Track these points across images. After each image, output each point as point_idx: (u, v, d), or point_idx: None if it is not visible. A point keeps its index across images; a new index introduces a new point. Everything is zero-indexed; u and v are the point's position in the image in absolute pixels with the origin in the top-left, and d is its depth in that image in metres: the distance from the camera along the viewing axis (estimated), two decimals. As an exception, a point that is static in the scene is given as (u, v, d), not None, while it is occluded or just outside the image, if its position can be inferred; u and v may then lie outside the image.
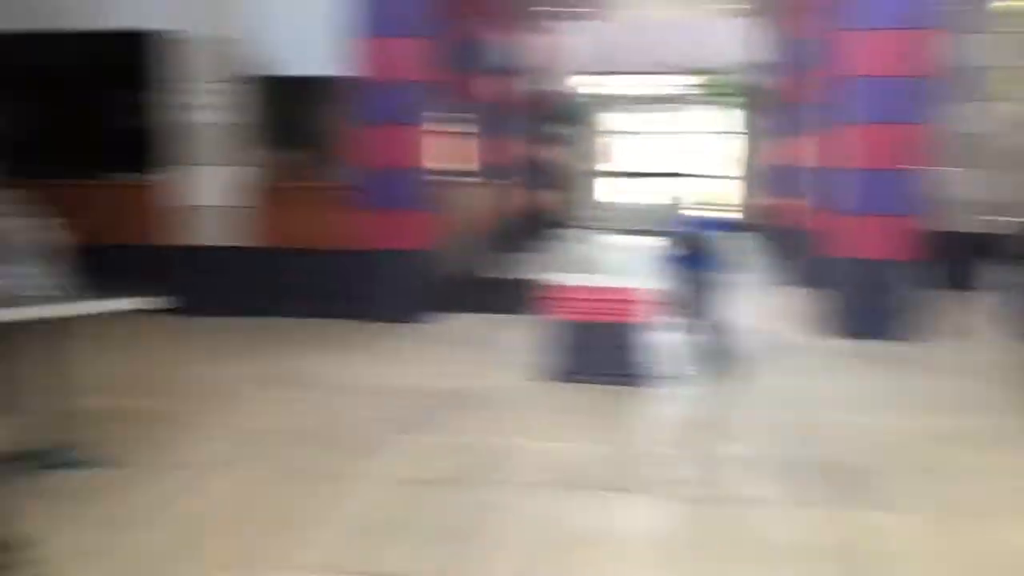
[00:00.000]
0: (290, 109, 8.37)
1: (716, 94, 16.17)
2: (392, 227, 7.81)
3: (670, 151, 18.39)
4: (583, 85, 17.78)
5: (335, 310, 7.78)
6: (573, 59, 16.74)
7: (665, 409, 5.56)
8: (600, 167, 18.28)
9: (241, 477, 4.26)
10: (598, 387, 5.69)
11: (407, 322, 7.70)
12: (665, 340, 6.13)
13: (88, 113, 10.38)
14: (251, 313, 7.72)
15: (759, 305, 8.31)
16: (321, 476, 4.29)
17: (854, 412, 5.40)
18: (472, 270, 10.16)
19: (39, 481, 4.08)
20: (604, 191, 18.59)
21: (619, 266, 8.57)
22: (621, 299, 5.73)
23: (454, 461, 4.51)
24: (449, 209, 8.76)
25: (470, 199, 10.18)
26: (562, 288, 5.85)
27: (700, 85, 16.38)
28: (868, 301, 7.13)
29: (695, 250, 6.01)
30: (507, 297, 9.25)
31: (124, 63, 8.33)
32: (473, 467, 4.43)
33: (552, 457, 4.59)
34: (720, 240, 6.19)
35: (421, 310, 7.85)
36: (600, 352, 5.71)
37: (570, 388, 5.72)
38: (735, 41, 15.18)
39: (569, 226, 17.34)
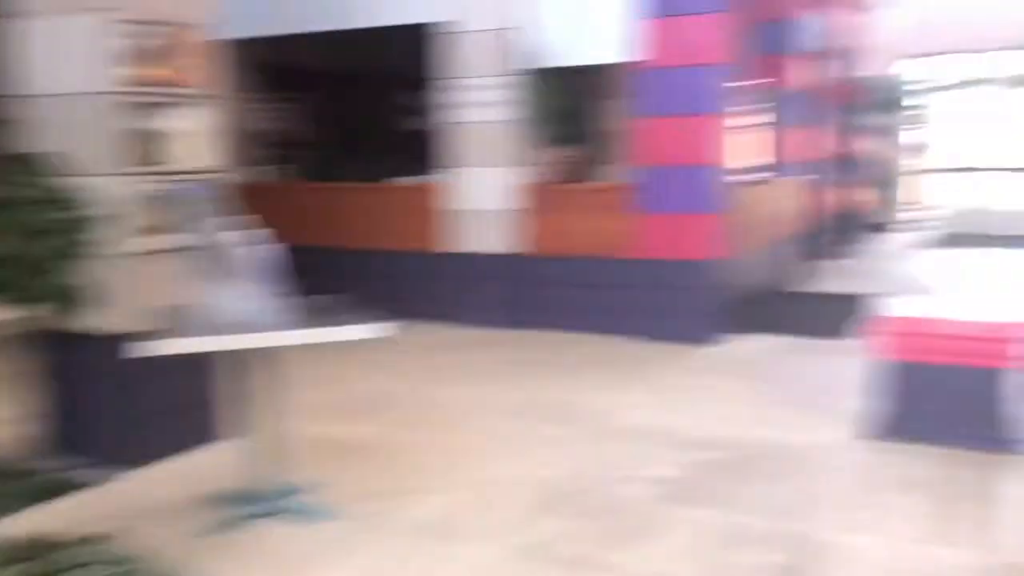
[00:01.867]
0: (567, 103, 7.58)
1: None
2: (681, 233, 6.74)
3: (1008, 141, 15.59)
4: (906, 68, 15.51)
5: (612, 326, 6.85)
6: (895, 39, 14.57)
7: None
8: (929, 162, 15.86)
9: (477, 553, 3.41)
10: (955, 452, 4.25)
11: (696, 343, 6.59)
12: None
13: (370, 113, 10.35)
14: (516, 326, 7.01)
15: None
16: (574, 564, 3.32)
17: None
18: (775, 283, 8.79)
19: (257, 532, 3.52)
20: (936, 190, 16.14)
21: (981, 290, 6.84)
22: (989, 335, 4.23)
23: (749, 560, 3.34)
24: (748, 212, 7.52)
25: (773, 200, 8.82)
26: (903, 318, 4.46)
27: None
28: None
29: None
30: (817, 316, 7.82)
31: (405, 60, 8.00)
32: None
33: (899, 565, 3.28)
34: None
35: (713, 330, 6.70)
36: (958, 404, 4.26)
37: (914, 452, 4.31)
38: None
39: (897, 231, 15.22)
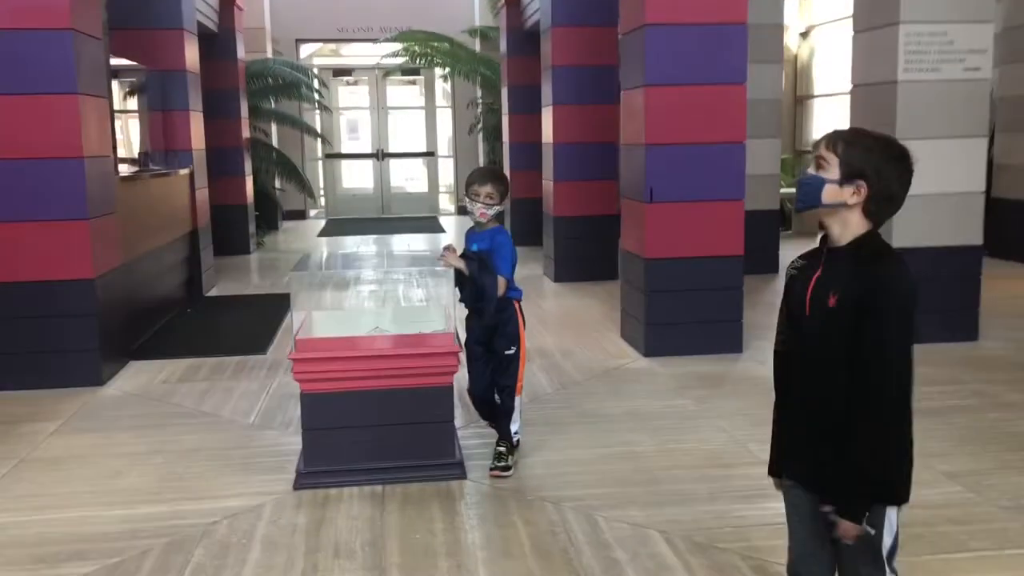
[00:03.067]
0: None
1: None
2: (25, 246, 5.11)
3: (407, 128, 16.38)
4: (304, 52, 15.20)
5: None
6: (289, 22, 14.04)
7: None
8: (330, 147, 15.81)
9: None
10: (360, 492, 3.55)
11: (79, 384, 5.07)
12: None
13: None
14: None
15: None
16: None
17: None
18: (175, 293, 7.51)
19: None
20: (338, 175, 16.19)
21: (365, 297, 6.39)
22: (372, 353, 3.60)
23: None
24: (129, 212, 6.12)
25: (160, 196, 7.49)
26: (304, 340, 3.64)
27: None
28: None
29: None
30: (234, 326, 6.79)
31: None
32: None
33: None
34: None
35: (100, 365, 5.24)
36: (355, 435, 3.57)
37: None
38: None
39: (303, 218, 14.94)
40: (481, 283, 3.53)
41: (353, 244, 12.34)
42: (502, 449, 3.75)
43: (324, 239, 13.03)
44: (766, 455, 2.32)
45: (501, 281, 3.57)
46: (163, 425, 4.49)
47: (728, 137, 5.51)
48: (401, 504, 3.47)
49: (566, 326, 6.61)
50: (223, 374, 5.44)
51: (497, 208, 3.65)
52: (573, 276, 8.47)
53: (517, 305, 3.75)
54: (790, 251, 8.38)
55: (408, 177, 17.06)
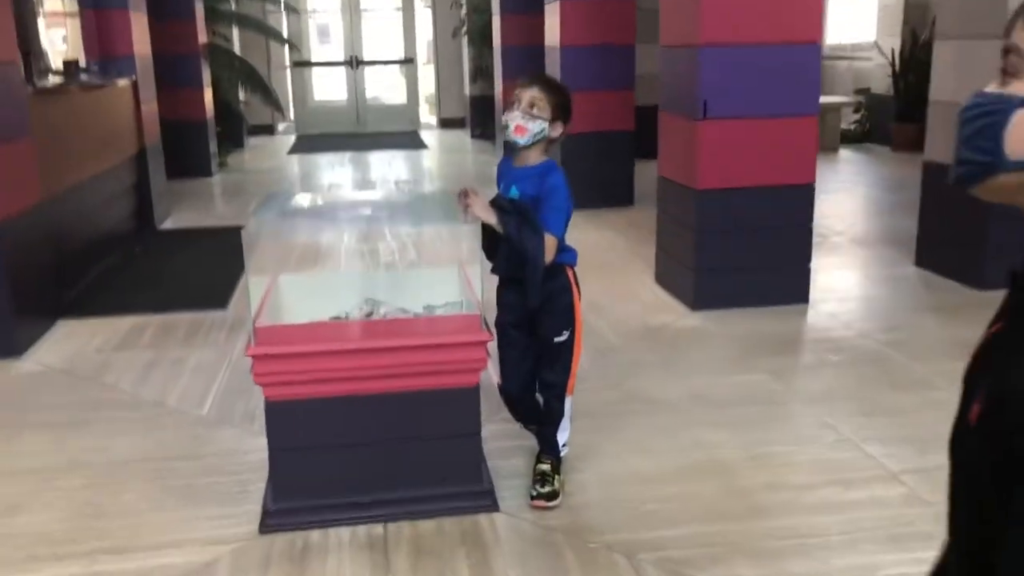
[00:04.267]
0: None
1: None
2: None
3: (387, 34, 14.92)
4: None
5: None
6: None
7: None
8: (300, 56, 14.35)
9: None
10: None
11: (-15, 364, 4.01)
12: None
13: None
14: None
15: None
16: None
17: None
18: (115, 231, 6.35)
19: None
20: (306, 85, 14.77)
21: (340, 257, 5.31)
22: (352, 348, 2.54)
23: None
24: (55, 133, 4.94)
25: (96, 112, 6.26)
26: (263, 328, 2.58)
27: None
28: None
29: None
30: (193, 269, 5.67)
31: None
32: None
33: None
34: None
35: (17, 331, 4.16)
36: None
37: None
38: None
39: (270, 133, 13.57)
40: (522, 247, 2.46)
41: (328, 163, 11.12)
42: (546, 467, 2.74)
43: (295, 157, 11.78)
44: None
45: (550, 242, 2.51)
46: (89, 421, 3.43)
47: (801, 36, 4.38)
48: (412, 553, 2.47)
49: (588, 268, 5.46)
50: (173, 338, 4.37)
51: (542, 125, 2.54)
52: (585, 202, 7.34)
53: (571, 273, 2.69)
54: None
55: (385, 87, 15.68)
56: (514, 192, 2.58)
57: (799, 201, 4.55)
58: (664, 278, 4.97)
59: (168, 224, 7.22)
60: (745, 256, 4.52)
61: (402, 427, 2.58)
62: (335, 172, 10.37)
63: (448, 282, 2.93)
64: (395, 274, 3.19)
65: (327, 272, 2.98)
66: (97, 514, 2.73)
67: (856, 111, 11.42)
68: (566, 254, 2.63)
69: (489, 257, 2.60)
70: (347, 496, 2.59)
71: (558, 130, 2.57)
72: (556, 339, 2.64)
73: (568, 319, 2.65)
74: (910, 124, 10.23)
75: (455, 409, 2.60)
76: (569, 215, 2.56)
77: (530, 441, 2.93)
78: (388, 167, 10.70)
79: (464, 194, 2.48)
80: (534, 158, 2.60)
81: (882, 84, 10.92)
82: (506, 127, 2.56)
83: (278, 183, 9.50)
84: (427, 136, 13.91)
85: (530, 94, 2.53)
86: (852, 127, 11.27)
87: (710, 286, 4.53)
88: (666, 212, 4.93)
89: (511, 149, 2.62)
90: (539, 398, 2.75)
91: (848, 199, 7.85)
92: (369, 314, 2.72)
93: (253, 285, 2.59)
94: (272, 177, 9.89)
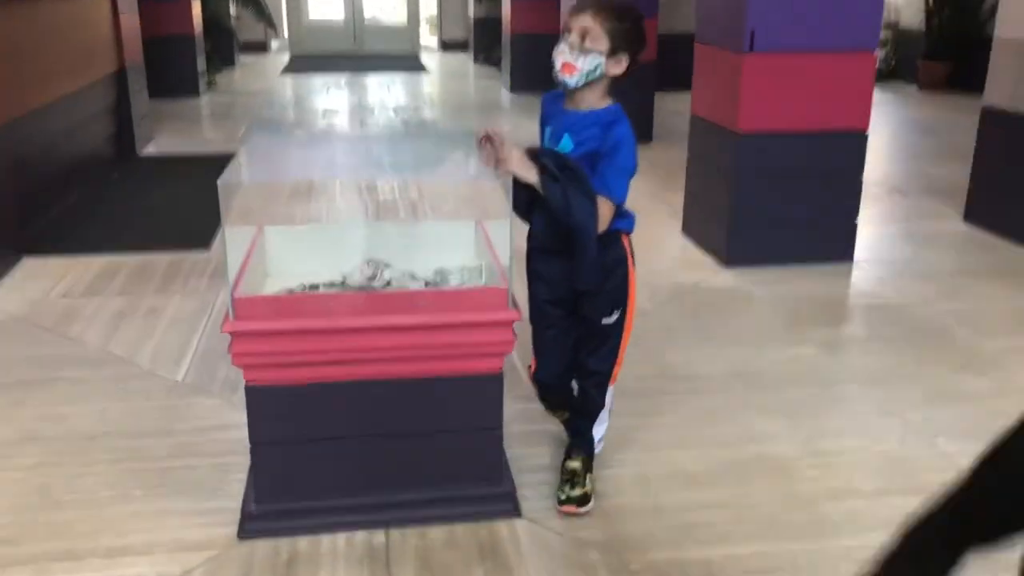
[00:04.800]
0: None
1: None
2: None
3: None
4: None
5: None
6: None
7: None
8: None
9: None
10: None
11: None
12: None
13: None
14: None
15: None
16: None
17: None
18: (82, 158, 5.83)
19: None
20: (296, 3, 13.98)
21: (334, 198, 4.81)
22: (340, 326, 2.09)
23: None
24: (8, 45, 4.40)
25: (54, 25, 5.68)
26: (244, 299, 2.13)
27: None
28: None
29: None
30: (175, 203, 5.17)
31: None
32: None
33: None
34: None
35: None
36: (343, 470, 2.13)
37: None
38: None
39: (264, 51, 12.86)
40: (571, 217, 1.99)
41: (322, 85, 10.50)
42: (576, 465, 2.33)
43: (288, 77, 11.16)
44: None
45: (606, 208, 2.05)
46: (47, 383, 3.00)
47: (864, -42, 3.85)
48: (419, 567, 2.08)
49: (605, 212, 5.08)
50: (148, 283, 3.92)
51: (597, 61, 2.04)
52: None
53: (626, 242, 2.23)
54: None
55: (384, 6, 14.90)
56: (566, 143, 2.10)
57: (850, 150, 4.08)
58: (692, 228, 4.52)
59: (150, 149, 6.69)
60: (786, 208, 4.06)
61: (409, 419, 2.16)
62: (330, 97, 9.78)
63: (464, 240, 2.48)
64: (400, 227, 2.63)
65: (321, 225, 2.50)
66: (49, 504, 2.32)
67: (882, 47, 10.81)
68: (623, 220, 2.16)
69: (523, 216, 2.15)
70: (342, 498, 2.18)
71: (621, 65, 2.07)
72: (604, 320, 2.20)
73: (621, 297, 2.20)
74: (940, 62, 9.67)
75: (473, 399, 2.18)
76: (631, 174, 2.09)
77: (557, 426, 2.52)
78: (387, 92, 10.10)
79: (487, 139, 2.00)
80: (594, 101, 2.10)
81: (913, 19, 10.30)
82: (553, 62, 2.07)
83: (269, 106, 8.92)
84: (427, 59, 13.24)
85: (581, 23, 2.02)
86: (878, 64, 10.69)
87: (745, 240, 4.08)
88: (698, 156, 4.45)
89: (565, 88, 2.10)
90: (574, 385, 2.32)
91: (878, 142, 7.35)
92: (372, 278, 2.28)
93: (232, 240, 2.14)
94: (263, 99, 9.31)
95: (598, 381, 2.28)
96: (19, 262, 4.15)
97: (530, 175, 1.98)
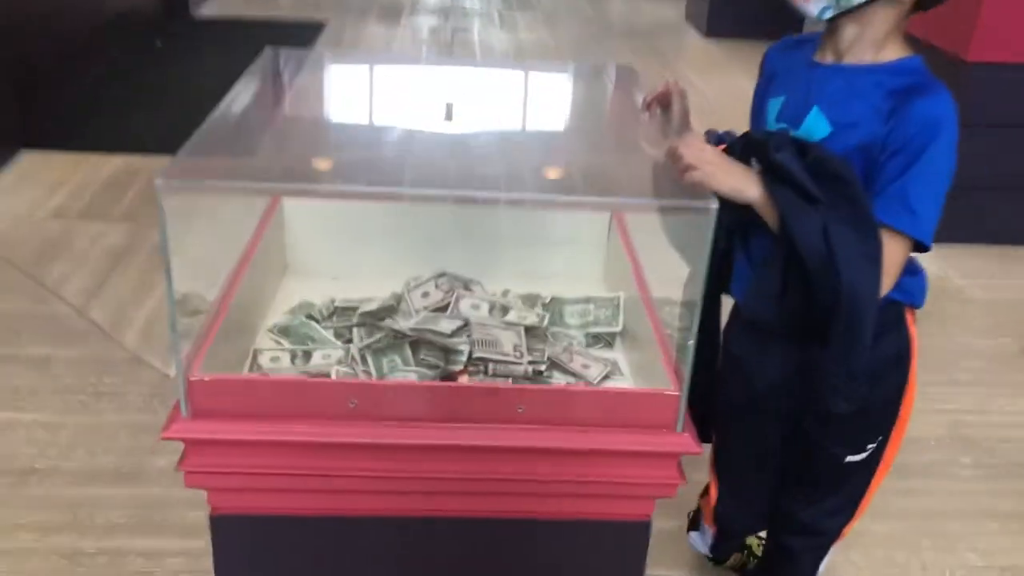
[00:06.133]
0: None
1: None
2: None
3: None
4: None
5: None
6: None
7: None
8: None
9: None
10: None
11: None
12: None
13: None
14: None
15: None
16: None
17: None
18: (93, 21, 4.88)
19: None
20: None
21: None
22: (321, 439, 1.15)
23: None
24: None
25: None
26: (205, 381, 1.19)
27: None
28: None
29: None
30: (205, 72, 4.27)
31: None
32: None
33: None
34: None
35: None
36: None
37: None
38: None
39: None
40: (835, 271, 1.01)
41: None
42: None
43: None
44: None
45: (896, 252, 1.06)
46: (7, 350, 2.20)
47: None
48: None
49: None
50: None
51: None
52: (730, 29, 5.67)
53: (911, 322, 1.23)
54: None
55: None
56: (815, 124, 1.11)
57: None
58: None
59: (208, 10, 5.72)
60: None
61: (492, 578, 1.27)
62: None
63: (584, 237, 1.53)
64: (495, 223, 1.58)
65: (372, 204, 1.53)
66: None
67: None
68: (910, 280, 1.17)
69: (736, 270, 1.18)
70: None
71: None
72: (850, 457, 1.24)
73: (887, 420, 1.24)
74: None
75: (605, 552, 1.27)
76: (943, 195, 1.08)
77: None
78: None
79: (653, 101, 1.06)
80: (867, 49, 1.11)
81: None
82: None
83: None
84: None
85: None
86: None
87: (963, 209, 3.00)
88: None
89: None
90: (784, 545, 1.39)
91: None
92: (444, 308, 1.37)
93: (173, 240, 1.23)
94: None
95: (816, 544, 1.35)
96: (16, 157, 3.32)
97: (750, 188, 1.01)
